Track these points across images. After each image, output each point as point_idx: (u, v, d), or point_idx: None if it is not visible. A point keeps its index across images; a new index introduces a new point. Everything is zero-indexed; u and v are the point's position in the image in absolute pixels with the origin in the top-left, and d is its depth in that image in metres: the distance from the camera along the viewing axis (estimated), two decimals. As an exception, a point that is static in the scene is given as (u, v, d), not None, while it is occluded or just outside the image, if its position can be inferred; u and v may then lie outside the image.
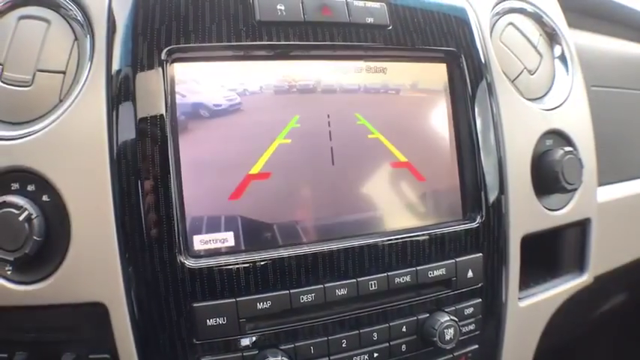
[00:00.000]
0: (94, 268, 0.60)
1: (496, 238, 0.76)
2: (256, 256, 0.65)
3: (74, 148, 0.60)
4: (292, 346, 0.66)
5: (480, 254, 0.75)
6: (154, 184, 0.61)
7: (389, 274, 0.69)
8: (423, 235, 0.72)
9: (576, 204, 0.87)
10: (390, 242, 0.70)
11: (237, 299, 0.63)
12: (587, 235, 0.90)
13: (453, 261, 0.73)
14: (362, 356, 0.69)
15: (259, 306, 0.64)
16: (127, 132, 0.61)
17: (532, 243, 0.86)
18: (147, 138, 0.61)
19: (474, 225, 0.75)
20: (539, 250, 0.92)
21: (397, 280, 0.69)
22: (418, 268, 0.71)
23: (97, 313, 0.61)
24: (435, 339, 0.70)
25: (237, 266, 0.63)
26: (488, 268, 0.76)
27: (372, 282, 0.68)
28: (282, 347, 0.66)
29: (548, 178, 0.82)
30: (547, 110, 0.85)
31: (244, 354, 0.64)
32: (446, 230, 0.73)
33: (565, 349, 1.34)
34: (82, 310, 0.61)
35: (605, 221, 0.93)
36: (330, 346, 0.67)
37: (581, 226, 0.90)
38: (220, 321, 0.63)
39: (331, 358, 0.68)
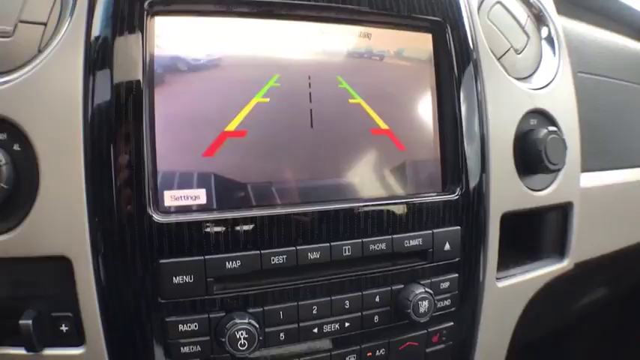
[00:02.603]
0: (60, 220, 0.58)
1: (475, 213, 0.74)
2: (228, 215, 0.62)
3: (49, 98, 0.58)
4: (261, 309, 0.63)
5: (458, 227, 0.72)
6: (125, 136, 0.58)
7: (364, 240, 0.66)
8: (401, 203, 0.69)
9: (559, 186, 0.84)
10: (366, 208, 0.67)
11: (206, 257, 0.60)
12: (568, 220, 0.88)
13: (430, 232, 0.70)
14: (333, 325, 0.66)
15: (228, 265, 0.61)
16: (103, 83, 0.59)
17: (513, 226, 0.85)
18: (122, 90, 0.59)
19: (453, 197, 0.72)
20: (520, 234, 0.90)
21: (372, 247, 0.67)
22: (394, 236, 0.68)
23: (61, 268, 0.58)
24: (408, 311, 0.68)
25: (207, 223, 0.61)
26: (466, 242, 0.73)
27: (346, 247, 0.66)
28: (251, 311, 0.63)
29: (531, 157, 0.80)
30: (532, 90, 0.83)
31: (211, 316, 0.62)
32: (424, 200, 0.71)
33: (541, 346, 1.32)
34: (46, 265, 0.59)
35: (588, 208, 0.91)
36: (299, 312, 0.65)
37: (563, 210, 0.88)
38: (187, 279, 0.60)
39: (301, 325, 0.65)
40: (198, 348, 0.62)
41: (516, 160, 0.80)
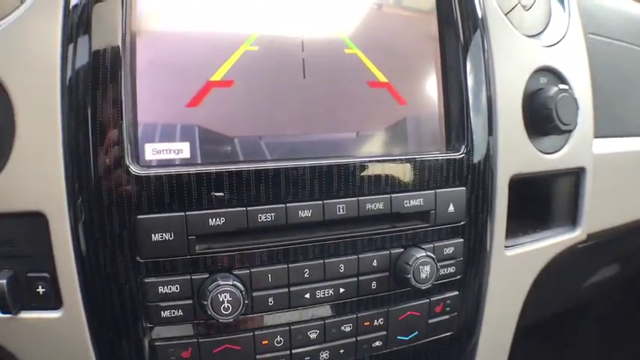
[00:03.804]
0: (36, 174, 0.52)
1: (481, 173, 0.65)
2: (212, 168, 0.54)
3: (27, 47, 0.52)
4: (247, 271, 0.56)
5: (463, 188, 0.64)
6: (104, 84, 0.51)
7: (360, 198, 0.58)
8: (400, 160, 0.61)
9: (571, 149, 0.75)
10: (363, 164, 0.59)
11: (187, 213, 0.53)
12: (580, 187, 0.79)
13: (432, 192, 0.61)
14: (326, 290, 0.58)
15: (211, 222, 0.54)
16: (81, 29, 0.52)
17: (522, 193, 0.76)
18: (101, 35, 0.52)
19: (457, 156, 0.63)
20: (530, 203, 0.81)
21: (369, 206, 0.58)
22: (393, 195, 0.60)
23: (37, 225, 0.52)
24: (408, 276, 0.59)
25: (189, 177, 0.53)
26: (471, 204, 0.65)
27: (341, 206, 0.57)
28: (236, 273, 0.55)
29: (541, 117, 0.71)
30: (541, 47, 0.75)
31: (193, 277, 0.54)
32: (426, 157, 0.62)
33: (550, 324, 1.23)
34: (22, 221, 0.53)
35: (601, 175, 0.82)
36: (290, 275, 0.57)
37: (575, 176, 0.79)
38: (167, 237, 0.53)
39: (291, 289, 0.57)
40: (180, 312, 0.54)
41: (526, 120, 0.71)
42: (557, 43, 0.77)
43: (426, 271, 0.60)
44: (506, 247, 0.72)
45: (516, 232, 0.76)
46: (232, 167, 0.55)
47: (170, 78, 0.55)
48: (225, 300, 0.53)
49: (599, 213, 0.84)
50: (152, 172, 0.53)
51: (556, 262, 0.82)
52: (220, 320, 0.53)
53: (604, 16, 0.91)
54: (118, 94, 0.52)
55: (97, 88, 0.52)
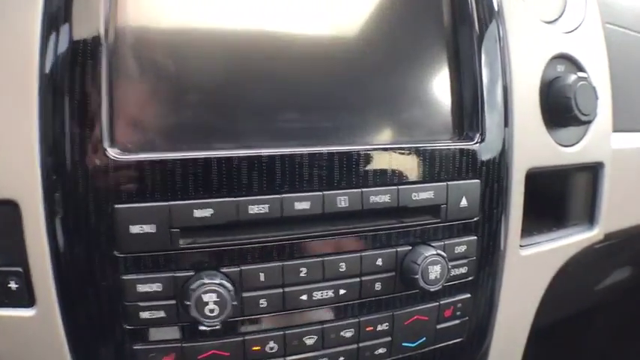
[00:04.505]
0: (9, 159, 0.45)
1: (497, 165, 0.57)
2: (199, 154, 0.47)
3: (6, 28, 0.45)
4: (237, 269, 0.48)
5: (477, 181, 0.56)
6: (83, 66, 0.44)
7: (363, 190, 0.50)
8: (409, 149, 0.53)
9: (589, 142, 0.67)
10: (367, 152, 0.51)
11: (171, 203, 0.46)
12: (599, 183, 0.71)
13: (444, 184, 0.54)
14: (325, 291, 0.50)
15: (197, 214, 0.46)
16: (62, 12, 0.45)
17: (537, 190, 0.69)
18: (82, 19, 0.45)
19: (471, 145, 0.56)
20: (545, 200, 0.73)
21: (373, 199, 0.51)
22: (400, 187, 0.52)
23: (10, 215, 0.45)
24: (416, 276, 0.51)
25: (173, 163, 0.46)
26: (486, 199, 0.57)
27: (342, 198, 0.50)
28: (225, 270, 0.48)
29: (559, 106, 0.63)
30: (559, 33, 0.67)
31: (176, 275, 0.47)
32: (437, 146, 0.54)
33: (559, 328, 1.14)
34: None
35: (619, 171, 0.73)
36: (284, 275, 0.49)
37: (593, 172, 0.71)
38: (148, 229, 0.45)
39: (286, 290, 0.49)
40: (161, 313, 0.47)
41: (543, 109, 0.63)
42: (575, 29, 0.69)
43: (435, 272, 0.52)
44: (521, 246, 0.64)
45: (531, 230, 0.68)
46: (221, 153, 0.47)
47: (153, 62, 0.48)
48: (211, 301, 0.45)
49: (617, 211, 0.76)
50: (132, 157, 0.46)
51: (572, 263, 0.74)
52: (205, 324, 0.45)
53: (620, 6, 0.83)
54: (97, 76, 0.45)
55: (75, 71, 0.45)
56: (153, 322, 0.47)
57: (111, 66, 0.46)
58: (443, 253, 0.52)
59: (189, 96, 0.49)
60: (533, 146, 0.62)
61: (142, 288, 0.47)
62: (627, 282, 1.02)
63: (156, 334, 0.49)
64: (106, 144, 0.45)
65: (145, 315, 0.47)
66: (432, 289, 0.52)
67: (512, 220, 0.61)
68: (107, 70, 0.46)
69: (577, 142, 0.67)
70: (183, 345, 0.49)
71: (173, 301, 0.47)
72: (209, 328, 0.46)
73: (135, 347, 0.48)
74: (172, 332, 0.49)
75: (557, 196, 0.73)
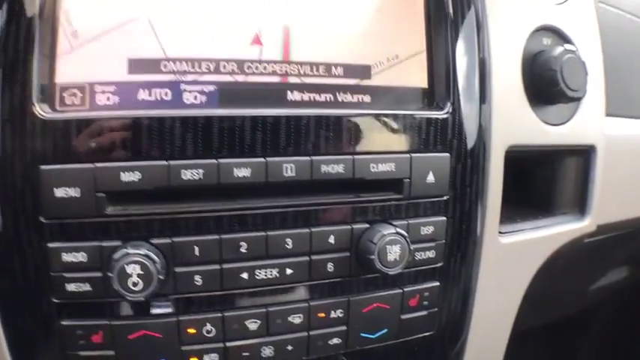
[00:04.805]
0: None
1: (470, 139, 0.50)
2: (127, 113, 0.42)
3: None
4: (168, 241, 0.42)
5: (447, 154, 0.49)
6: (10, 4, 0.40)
7: (314, 158, 0.44)
8: (369, 114, 0.47)
9: (579, 123, 0.60)
10: (318, 116, 0.45)
11: (96, 165, 0.41)
12: (590, 168, 0.63)
13: (407, 155, 0.47)
14: (269, 270, 0.44)
15: (124, 177, 0.41)
16: None
17: (524, 177, 0.62)
18: None
19: (441, 115, 0.49)
20: (532, 189, 0.67)
21: (325, 168, 0.45)
22: (356, 157, 0.46)
23: None
24: (372, 257, 0.45)
25: (101, 122, 0.41)
26: (457, 176, 0.50)
27: (289, 166, 0.44)
28: (155, 242, 0.42)
29: (543, 80, 0.56)
30: (544, 3, 0.60)
31: (102, 244, 0.41)
32: (401, 113, 0.48)
33: (550, 332, 1.06)
34: None
35: (614, 159, 0.67)
36: (222, 249, 0.43)
37: (584, 156, 0.64)
38: (73, 193, 0.41)
39: (224, 266, 0.43)
40: (87, 287, 0.42)
41: (526, 84, 0.57)
42: (564, 2, 0.62)
43: (394, 253, 0.45)
44: (501, 233, 0.57)
45: (514, 218, 0.61)
46: (152, 112, 0.42)
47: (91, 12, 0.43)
48: (135, 273, 0.40)
49: (611, 202, 0.68)
50: (59, 116, 0.41)
51: (561, 257, 0.67)
52: (128, 298, 0.40)
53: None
54: (28, 28, 0.40)
55: (10, 21, 0.40)
56: (79, 296, 0.42)
57: (42, 17, 0.42)
58: (403, 232, 0.46)
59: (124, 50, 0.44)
60: (514, 122, 0.56)
61: (67, 257, 0.42)
62: (624, 283, 0.94)
63: (83, 309, 0.43)
64: (33, 100, 0.40)
65: (70, 287, 0.42)
66: (391, 272, 0.45)
67: (490, 203, 0.54)
68: (39, 23, 0.41)
69: (566, 122, 0.60)
70: (112, 323, 0.43)
71: (99, 274, 0.42)
72: (133, 299, 0.40)
73: (62, 323, 0.43)
74: (100, 309, 0.43)
75: (545, 183, 0.66)
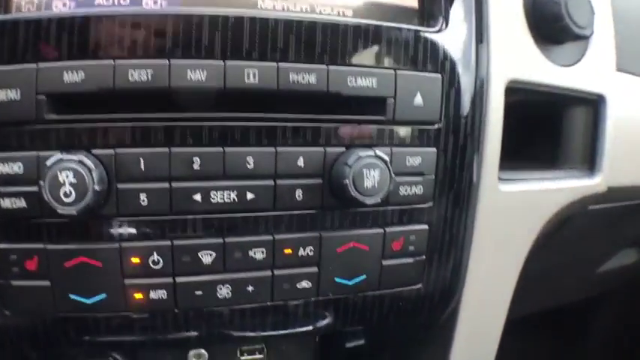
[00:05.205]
0: None
1: (466, 62, 0.43)
2: (76, 10, 0.36)
3: None
4: (111, 152, 0.36)
5: (438, 75, 0.42)
6: None
7: (281, 65, 0.37)
8: (348, 22, 0.40)
9: (587, 66, 0.53)
10: (287, 19, 0.38)
11: (39, 64, 0.35)
12: (600, 121, 0.56)
13: (392, 71, 0.40)
14: (226, 193, 0.38)
15: (67, 77, 0.35)
16: None
17: (530, 128, 0.55)
18: None
19: (432, 32, 0.42)
20: (540, 140, 0.59)
21: (294, 77, 0.38)
22: (332, 67, 0.38)
23: None
24: (345, 181, 0.38)
25: (45, 21, 0.35)
26: (450, 102, 0.43)
27: (251, 71, 0.37)
28: (97, 152, 0.36)
29: (546, 13, 0.49)
30: None
31: (40, 154, 0.35)
32: (386, 24, 0.41)
33: (557, 319, 0.97)
34: None
35: (627, 115, 0.60)
36: (172, 164, 0.36)
37: (594, 107, 0.56)
38: (13, 95, 0.35)
39: (173, 185, 0.37)
40: (22, 203, 0.36)
41: (530, 19, 0.50)
42: None
43: (372, 178, 0.38)
44: (501, 179, 0.50)
45: (516, 166, 0.54)
46: (98, 10, 0.36)
47: None
48: (67, 182, 0.34)
49: (624, 164, 0.60)
50: (6, 17, 0.36)
51: (566, 225, 0.60)
52: (60, 211, 0.34)
53: None
54: None
55: None
56: (13, 214, 0.36)
57: None
58: (384, 156, 0.39)
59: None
60: (516, 55, 0.49)
61: (2, 168, 0.36)
62: (634, 271, 0.85)
63: (18, 230, 0.37)
64: None
65: (5, 204, 0.36)
66: (367, 200, 0.38)
67: (488, 141, 0.47)
68: None
69: (573, 64, 0.54)
70: (47, 247, 0.37)
71: (34, 188, 0.35)
72: (65, 213, 0.34)
73: None
74: (37, 231, 0.37)
75: (552, 138, 0.59)
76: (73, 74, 0.36)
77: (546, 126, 0.58)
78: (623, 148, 0.60)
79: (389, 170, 0.39)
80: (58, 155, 0.34)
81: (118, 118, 0.36)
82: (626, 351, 1.01)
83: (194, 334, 0.42)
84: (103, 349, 0.43)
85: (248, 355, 0.47)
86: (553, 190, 0.54)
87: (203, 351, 0.46)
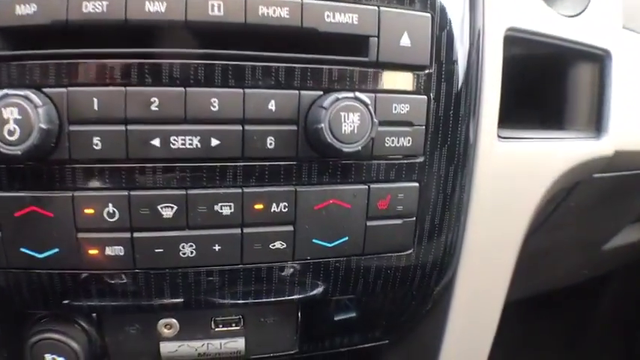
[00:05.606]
0: None
1: (459, 3, 0.38)
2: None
3: None
4: (63, 90, 0.32)
5: (427, 14, 0.37)
6: None
7: (248, -4, 0.33)
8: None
9: (591, 18, 0.48)
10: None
11: None
12: (606, 78, 0.51)
13: (375, 7, 0.35)
14: (188, 138, 0.33)
15: (20, 10, 0.31)
16: None
17: (534, 88, 0.50)
18: None
19: (419, -33, 0.38)
20: (543, 101, 0.54)
21: (263, 10, 0.33)
22: (306, 0, 0.34)
23: None
24: (320, 126, 0.33)
25: None
26: (442, 44, 0.38)
27: (215, 2, 0.32)
28: (48, 91, 0.32)
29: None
30: None
31: None
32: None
33: (561, 300, 0.91)
34: None
35: (634, 76, 0.55)
36: (127, 104, 0.32)
37: (599, 64, 0.51)
38: None
39: (129, 128, 0.32)
40: None
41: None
42: None
43: (352, 123, 0.34)
44: (500, 137, 0.45)
45: (517, 125, 0.49)
46: None
47: None
48: (11, 118, 0.30)
49: (633, 128, 0.56)
50: None
51: (572, 190, 0.55)
52: (3, 151, 0.30)
53: None
54: None
55: None
56: None
57: None
58: (364, 98, 0.34)
59: None
60: (517, 2, 0.44)
61: None
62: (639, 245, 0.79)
63: None
64: None
65: None
66: (346, 148, 0.33)
67: (486, 93, 0.42)
68: None
69: (576, 15, 0.49)
70: None
71: None
72: (9, 153, 0.30)
73: None
74: None
75: (557, 98, 0.54)
76: (25, 7, 0.32)
77: (550, 85, 0.53)
78: (632, 111, 0.55)
79: (370, 115, 0.34)
80: (4, 91, 0.30)
81: (70, 54, 0.32)
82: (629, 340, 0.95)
83: (159, 300, 0.38)
84: (64, 313, 0.39)
85: (223, 326, 0.43)
86: (556, 152, 0.49)
87: (174, 320, 0.42)
